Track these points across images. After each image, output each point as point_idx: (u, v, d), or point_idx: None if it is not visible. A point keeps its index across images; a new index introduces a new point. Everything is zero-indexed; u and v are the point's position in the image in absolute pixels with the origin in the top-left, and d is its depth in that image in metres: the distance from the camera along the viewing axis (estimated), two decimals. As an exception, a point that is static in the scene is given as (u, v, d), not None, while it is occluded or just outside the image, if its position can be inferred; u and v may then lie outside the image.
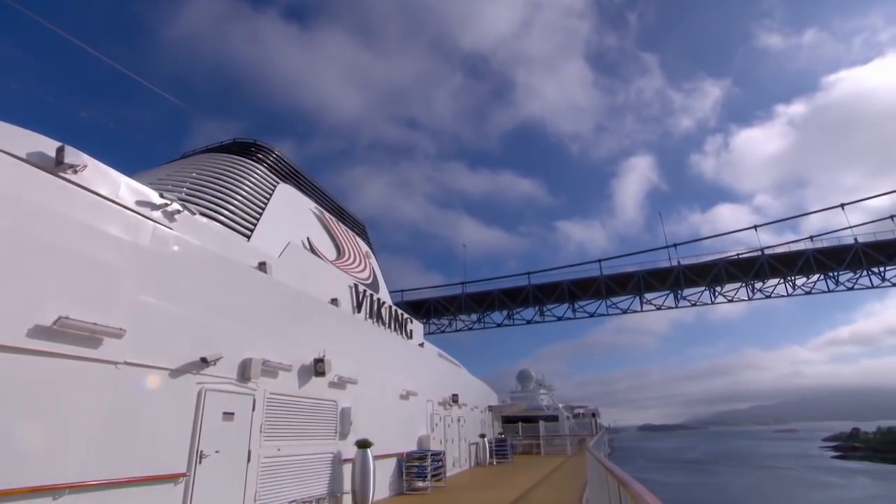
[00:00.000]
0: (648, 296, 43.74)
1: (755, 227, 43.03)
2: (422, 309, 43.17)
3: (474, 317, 46.27)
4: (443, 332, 45.54)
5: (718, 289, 42.18)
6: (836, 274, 39.66)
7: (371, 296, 14.31)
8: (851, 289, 40.11)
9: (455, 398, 17.94)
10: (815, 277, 40.14)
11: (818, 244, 39.47)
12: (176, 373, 6.18)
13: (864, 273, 38.82)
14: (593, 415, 42.60)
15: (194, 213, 8.59)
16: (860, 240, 38.32)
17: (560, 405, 32.68)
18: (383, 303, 15.12)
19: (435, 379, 17.21)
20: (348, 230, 16.46)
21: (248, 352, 7.52)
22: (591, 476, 8.16)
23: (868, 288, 39.85)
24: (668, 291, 43.19)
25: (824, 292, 41.24)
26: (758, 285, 41.64)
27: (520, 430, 27.22)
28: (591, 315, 45.28)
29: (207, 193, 10.45)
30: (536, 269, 49.96)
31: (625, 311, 44.65)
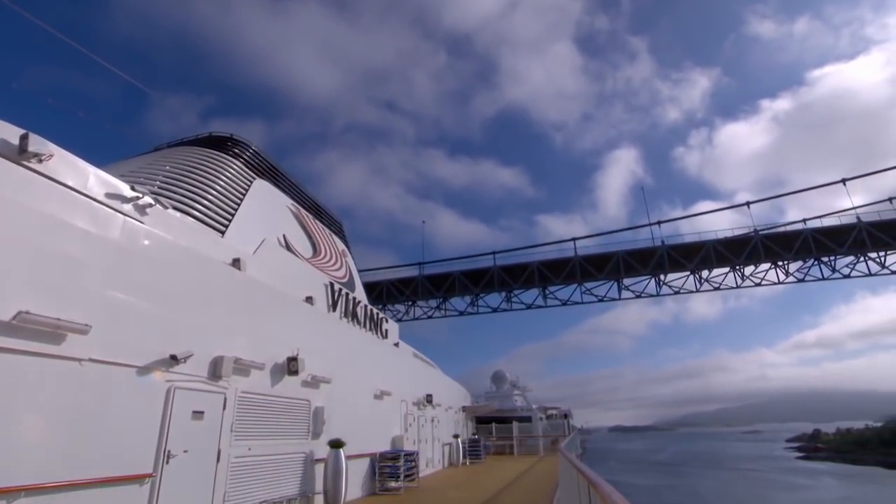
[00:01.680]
0: (627, 281, 39.57)
1: (748, 203, 38.93)
2: (373, 292, 37.79)
3: (434, 303, 42.20)
4: (399, 320, 38.75)
5: (705, 273, 38.57)
6: (833, 260, 36.46)
7: (347, 294, 14.21)
8: (848, 276, 36.93)
9: (429, 398, 17.95)
10: (810, 262, 36.96)
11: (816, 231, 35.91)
12: (144, 370, 6.02)
13: (862, 259, 35.69)
14: (566, 416, 42.66)
15: (167, 208, 8.40)
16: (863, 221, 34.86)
17: (534, 406, 32.83)
18: (359, 302, 15.03)
19: (409, 379, 17.19)
20: (325, 228, 16.30)
21: (219, 349, 7.38)
22: (563, 476, 8.26)
23: (866, 276, 36.61)
24: (648, 276, 39.08)
25: (818, 280, 37.77)
26: (748, 270, 37.97)
27: (493, 430, 27.35)
28: (564, 303, 40.98)
29: (181, 187, 10.22)
30: (503, 249, 44.22)
31: (601, 299, 40.51)
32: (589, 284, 39.93)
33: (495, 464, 20.98)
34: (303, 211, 14.92)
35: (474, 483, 14.72)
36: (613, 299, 40.17)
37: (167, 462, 6.08)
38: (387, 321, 16.85)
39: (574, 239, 40.42)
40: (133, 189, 7.47)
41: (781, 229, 37.13)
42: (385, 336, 16.43)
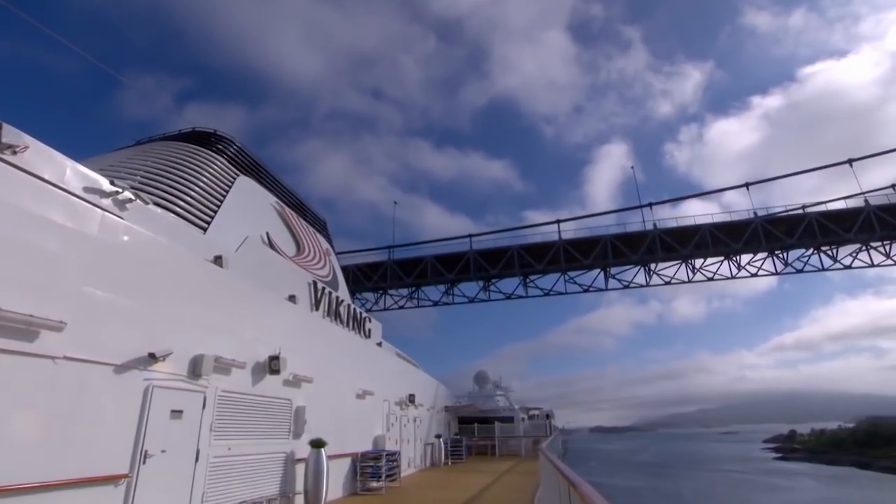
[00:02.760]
0: (615, 271, 37.10)
1: (747, 185, 36.21)
2: (339, 278, 36.14)
3: (406, 291, 39.46)
4: (369, 310, 34.81)
5: (698, 263, 36.07)
6: (835, 250, 34.23)
7: (330, 293, 14.12)
8: (849, 267, 34.79)
9: (412, 398, 17.92)
10: (810, 252, 34.69)
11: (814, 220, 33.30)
12: (121, 368, 5.90)
13: (864, 249, 33.60)
14: (548, 416, 42.73)
15: (148, 203, 8.26)
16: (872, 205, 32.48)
17: (516, 406, 32.96)
18: (342, 301, 14.94)
19: (392, 379, 17.14)
20: (309, 226, 16.18)
21: (200, 348, 7.28)
22: (544, 476, 8.31)
23: (867, 266, 34.47)
24: (637, 265, 36.48)
25: (817, 270, 35.37)
26: (745, 259, 35.48)
27: (475, 430, 27.39)
28: (547, 293, 37.88)
29: (163, 183, 10.06)
30: (480, 232, 40.96)
31: (586, 289, 37.72)
32: (574, 274, 37.39)
33: (477, 464, 21.03)
34: (287, 209, 14.79)
35: (456, 483, 14.74)
36: (600, 289, 37.63)
37: (144, 462, 5.98)
38: (370, 320, 16.79)
39: (558, 221, 37.69)
40: (112, 184, 7.33)
41: (783, 213, 34.51)
42: (368, 335, 16.37)
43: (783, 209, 34.80)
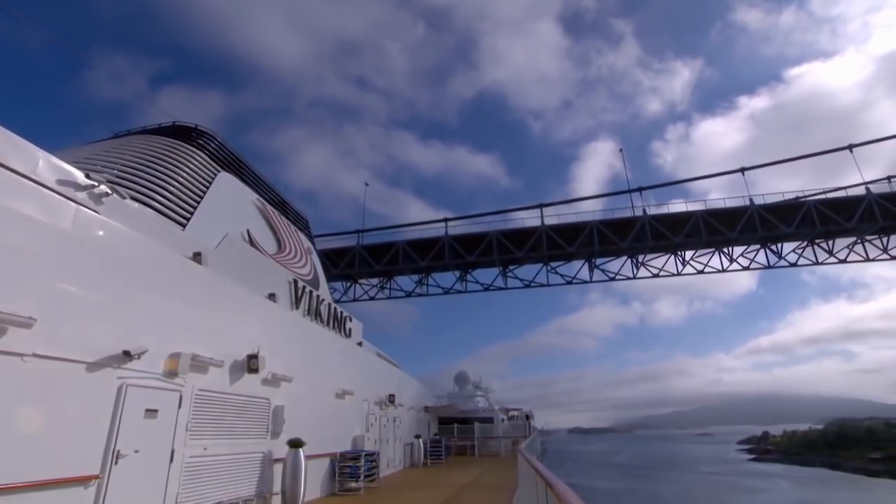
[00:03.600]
0: (601, 263, 35.35)
1: (742, 169, 34.92)
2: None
3: (376, 281, 37.41)
4: (338, 301, 32.46)
5: (689, 254, 34.40)
6: (831, 244, 33.10)
7: (311, 292, 14.00)
8: (843, 261, 33.42)
9: (391, 398, 17.87)
10: (804, 244, 33.40)
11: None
12: (94, 366, 5.76)
13: (860, 241, 32.68)
14: (527, 417, 42.96)
15: (125, 198, 8.09)
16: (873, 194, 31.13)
17: (496, 407, 33.08)
18: (322, 300, 14.83)
19: (372, 379, 17.08)
20: (290, 224, 16.02)
21: (177, 346, 7.15)
22: (522, 477, 8.36)
23: (862, 261, 33.43)
24: (624, 257, 34.91)
25: (812, 264, 33.74)
26: (737, 251, 34.08)
27: (455, 431, 27.42)
28: (528, 284, 35.98)
29: (141, 177, 9.86)
30: (456, 216, 40.37)
31: (569, 281, 35.69)
32: (556, 264, 35.52)
33: (456, 464, 21.05)
34: (268, 206, 14.62)
35: (435, 483, 14.73)
36: (584, 281, 35.63)
37: (115, 463, 5.84)
38: (350, 320, 16.70)
39: (541, 205, 35.22)
40: (88, 177, 7.16)
41: (780, 201, 32.90)
42: (349, 335, 16.27)
43: (780, 196, 33.24)
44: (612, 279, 35.91)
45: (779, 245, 33.83)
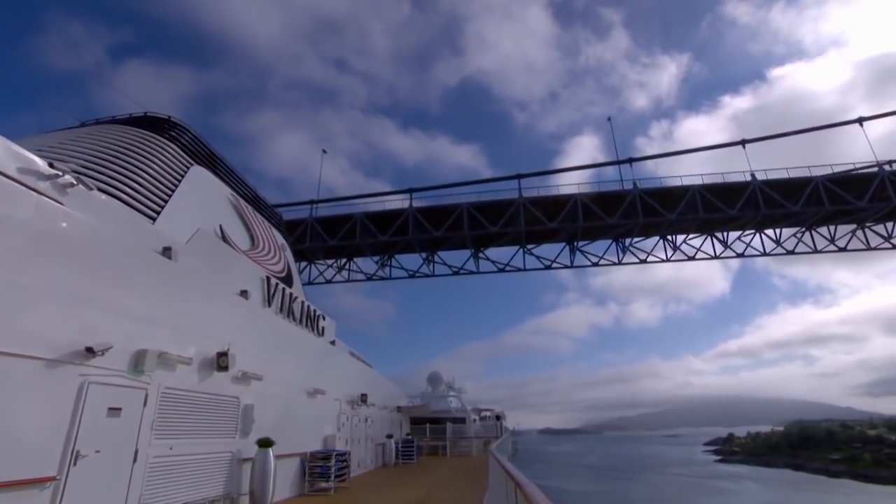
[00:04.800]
0: (583, 244, 32.66)
1: (743, 142, 32.18)
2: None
3: (332, 261, 34.30)
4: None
5: (679, 238, 32.16)
6: (833, 230, 31.29)
7: (283, 290, 13.82)
8: (843, 249, 31.42)
9: (364, 398, 17.76)
10: (803, 230, 31.29)
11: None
12: (54, 363, 5.55)
13: (861, 229, 30.95)
14: (499, 417, 43.15)
15: (91, 189, 7.81)
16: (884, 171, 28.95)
17: (468, 408, 33.21)
18: (296, 297, 14.65)
19: (344, 378, 16.96)
20: (264, 220, 15.77)
21: (143, 342, 6.96)
22: (493, 477, 8.41)
23: (864, 249, 31.18)
24: (609, 240, 32.42)
25: (810, 252, 31.63)
26: (733, 236, 31.86)
27: (427, 431, 27.41)
28: (502, 269, 33.12)
29: (109, 168, 9.55)
30: (422, 186, 33.50)
31: (548, 266, 33.11)
32: (533, 246, 33.06)
33: (428, 464, 21.04)
34: (242, 202, 14.36)
35: (406, 483, 14.70)
36: (565, 266, 33.05)
37: (74, 463, 5.63)
38: (324, 318, 16.53)
39: (519, 176, 31.74)
40: (52, 166, 6.90)
41: (784, 176, 30.51)
42: (321, 333, 16.11)
43: (784, 172, 30.76)
44: (595, 264, 33.18)
45: (777, 231, 31.88)
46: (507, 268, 33.39)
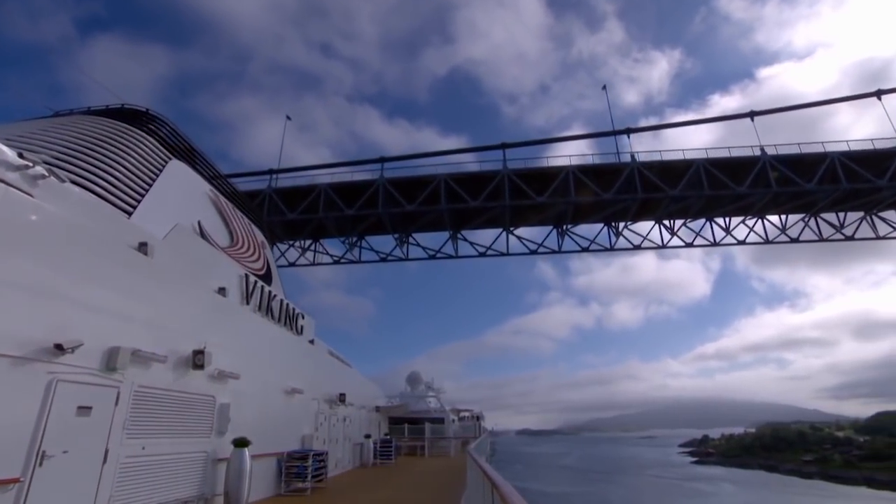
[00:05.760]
0: (573, 228, 30.20)
1: (752, 114, 29.88)
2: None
3: (294, 242, 31.52)
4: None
5: (676, 223, 30.13)
6: (842, 217, 29.36)
7: (262, 288, 13.64)
8: (851, 238, 29.52)
9: (342, 397, 17.65)
10: (808, 217, 29.21)
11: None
12: (19, 361, 5.37)
13: (869, 216, 29.06)
14: (477, 418, 43.12)
15: (64, 181, 7.60)
16: None
17: (447, 408, 33.23)
18: (275, 296, 14.47)
19: (323, 377, 16.83)
20: (244, 217, 15.55)
21: (116, 339, 6.79)
22: (470, 477, 8.42)
23: (873, 238, 29.32)
24: (601, 224, 30.23)
25: (817, 240, 29.63)
26: (735, 221, 30.00)
27: (406, 431, 27.35)
28: (483, 253, 30.53)
29: (83, 160, 9.30)
30: (395, 156, 31.13)
31: (534, 251, 30.54)
32: (518, 229, 30.50)
33: (406, 464, 20.98)
34: (221, 198, 14.13)
35: (383, 483, 14.63)
36: (552, 251, 30.65)
37: (40, 465, 5.46)
38: (303, 317, 16.37)
39: (504, 146, 28.98)
40: (21, 156, 6.69)
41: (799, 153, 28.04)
42: (300, 332, 15.96)
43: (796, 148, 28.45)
44: (586, 250, 30.97)
45: (783, 217, 30.05)
46: (490, 251, 30.71)
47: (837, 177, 26.74)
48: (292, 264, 32.33)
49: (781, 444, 73.68)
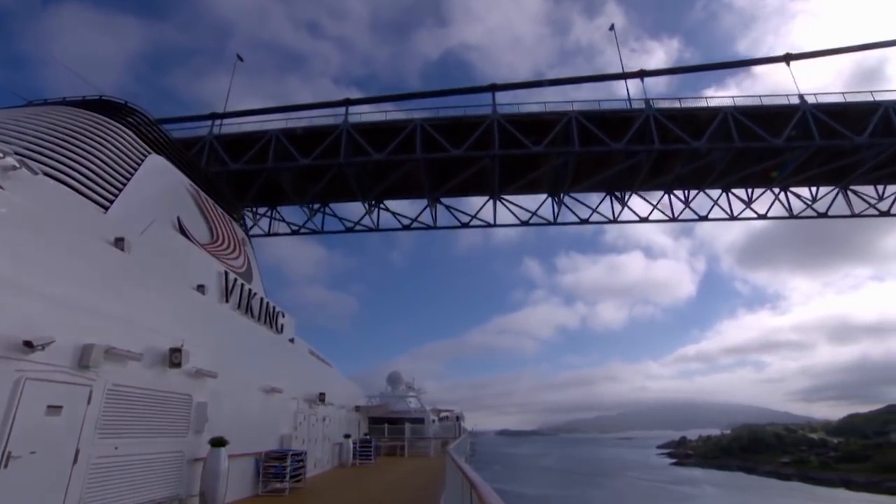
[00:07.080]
0: (572, 196, 26.24)
1: (787, 57, 25.75)
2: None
3: (248, 208, 26.30)
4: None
5: (690, 194, 26.19)
6: (882, 189, 25.95)
7: (242, 285, 13.46)
8: (886, 213, 25.84)
9: (322, 397, 17.51)
10: (835, 190, 25.72)
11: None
12: (-13, 358, 5.21)
13: None
14: (458, 418, 43.26)
15: (36, 173, 7.39)
16: None
17: (427, 408, 33.16)
18: (254, 293, 14.30)
19: (303, 376, 16.67)
20: (224, 213, 15.33)
21: (90, 336, 6.62)
22: (449, 477, 8.41)
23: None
24: (604, 193, 26.29)
25: (849, 216, 25.86)
26: (757, 191, 26.10)
27: (386, 431, 27.26)
28: (466, 224, 26.46)
29: (58, 152, 9.08)
30: (364, 98, 27.17)
31: (526, 222, 26.51)
32: (508, 197, 26.43)
33: (385, 464, 20.91)
34: (202, 194, 13.91)
35: (362, 484, 14.55)
36: (547, 222, 26.81)
37: (5, 466, 5.28)
38: (283, 315, 16.20)
39: (493, 88, 24.43)
40: (-7, 147, 6.50)
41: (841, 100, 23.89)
42: (280, 331, 15.79)
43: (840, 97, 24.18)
44: (585, 221, 27.10)
45: (813, 189, 26.39)
46: (474, 222, 26.62)
47: (892, 129, 22.65)
48: (245, 234, 29.37)
49: (759, 446, 75.32)
